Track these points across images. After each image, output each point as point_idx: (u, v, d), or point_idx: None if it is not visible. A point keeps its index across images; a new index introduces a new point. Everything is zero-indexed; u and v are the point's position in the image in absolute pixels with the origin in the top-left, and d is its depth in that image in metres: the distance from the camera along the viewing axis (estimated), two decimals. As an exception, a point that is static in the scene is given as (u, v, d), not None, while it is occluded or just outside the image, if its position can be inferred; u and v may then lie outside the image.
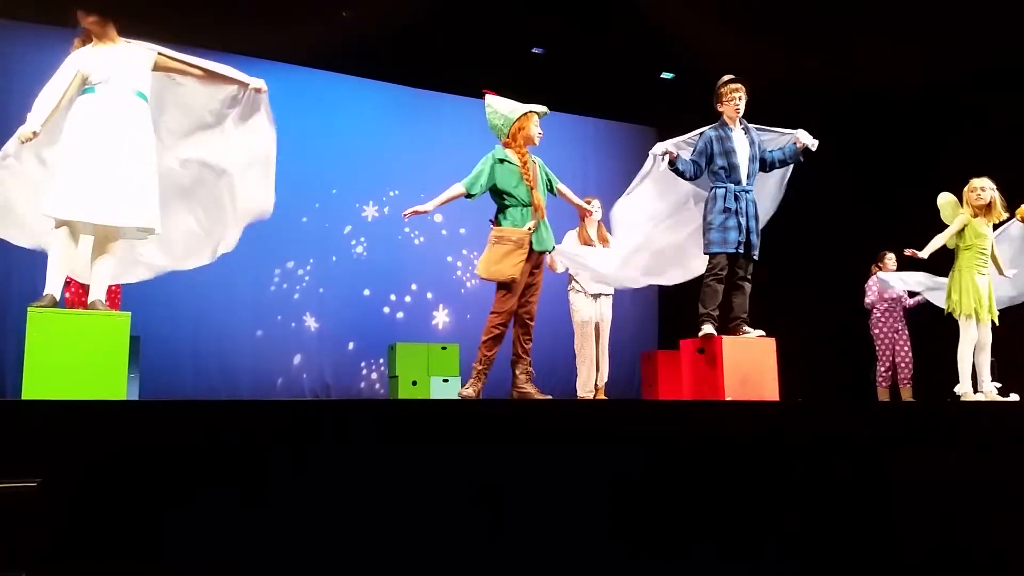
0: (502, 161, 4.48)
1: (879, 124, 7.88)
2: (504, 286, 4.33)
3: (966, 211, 5.23)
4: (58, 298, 3.47)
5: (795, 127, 5.06)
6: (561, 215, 5.90)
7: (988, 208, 5.20)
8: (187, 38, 7.18)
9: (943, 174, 5.58)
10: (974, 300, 5.13)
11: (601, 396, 5.75)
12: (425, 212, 4.55)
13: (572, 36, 7.94)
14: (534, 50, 8.30)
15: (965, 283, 5.17)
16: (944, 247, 5.31)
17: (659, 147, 4.83)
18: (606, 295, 5.87)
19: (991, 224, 5.25)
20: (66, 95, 3.57)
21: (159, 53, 3.83)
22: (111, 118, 3.53)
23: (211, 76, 4.01)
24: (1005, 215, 5.27)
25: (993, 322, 5.17)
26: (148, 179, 3.62)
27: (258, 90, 4.16)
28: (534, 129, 4.55)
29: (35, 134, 3.49)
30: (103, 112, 3.53)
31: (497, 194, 4.49)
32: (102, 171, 3.45)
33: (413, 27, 7.65)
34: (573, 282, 5.92)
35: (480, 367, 4.36)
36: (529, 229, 4.36)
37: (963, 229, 5.20)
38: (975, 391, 5.13)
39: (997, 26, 6.38)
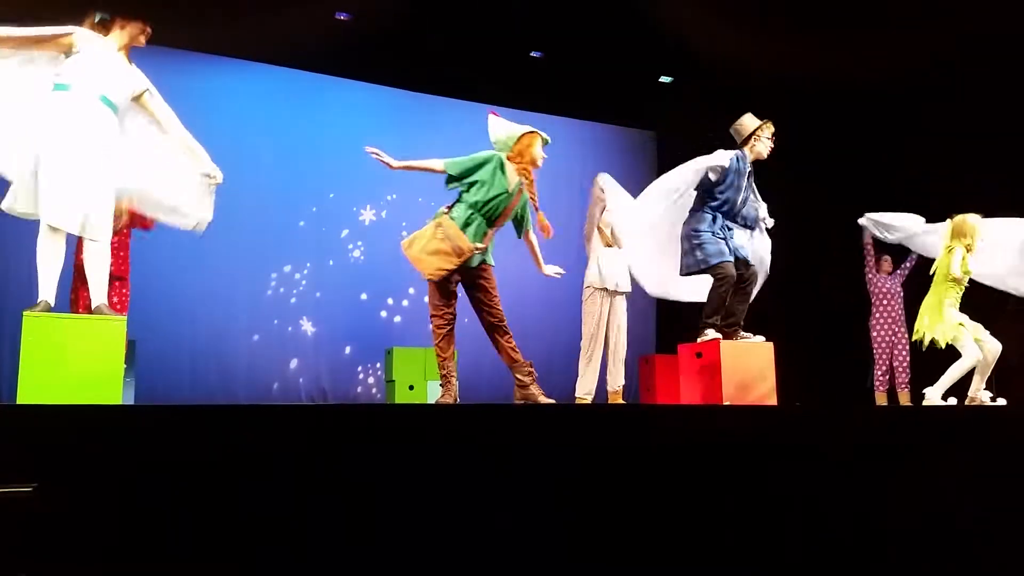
0: (503, 171, 4.34)
1: (880, 124, 7.88)
2: (435, 284, 4.28)
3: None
4: (52, 302, 3.45)
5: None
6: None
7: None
8: (183, 40, 7.19)
9: (943, 173, 5.59)
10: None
11: (619, 400, 5.67)
12: (390, 166, 4.31)
13: (571, 40, 7.94)
14: (533, 54, 8.30)
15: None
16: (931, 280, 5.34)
17: (720, 159, 4.80)
18: (620, 293, 5.73)
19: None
20: (44, 45, 3.53)
21: (147, 91, 3.81)
22: (79, 123, 3.49)
23: (174, 139, 3.92)
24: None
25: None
26: (104, 189, 3.56)
27: (211, 177, 3.99)
28: (538, 151, 4.42)
29: None
30: (72, 117, 3.49)
31: (469, 191, 4.33)
32: (75, 179, 3.43)
33: (411, 30, 7.65)
34: (589, 277, 5.76)
35: (443, 371, 4.31)
36: (477, 249, 4.23)
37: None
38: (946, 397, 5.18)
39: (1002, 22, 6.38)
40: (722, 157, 4.82)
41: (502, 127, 4.50)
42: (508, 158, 4.41)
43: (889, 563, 3.38)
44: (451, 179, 4.37)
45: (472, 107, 8.74)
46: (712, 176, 4.82)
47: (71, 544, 2.25)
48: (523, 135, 4.41)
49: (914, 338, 5.32)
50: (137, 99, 3.79)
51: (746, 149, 4.95)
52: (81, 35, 3.61)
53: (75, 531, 2.26)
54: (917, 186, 7.30)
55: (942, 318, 5.14)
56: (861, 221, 6.62)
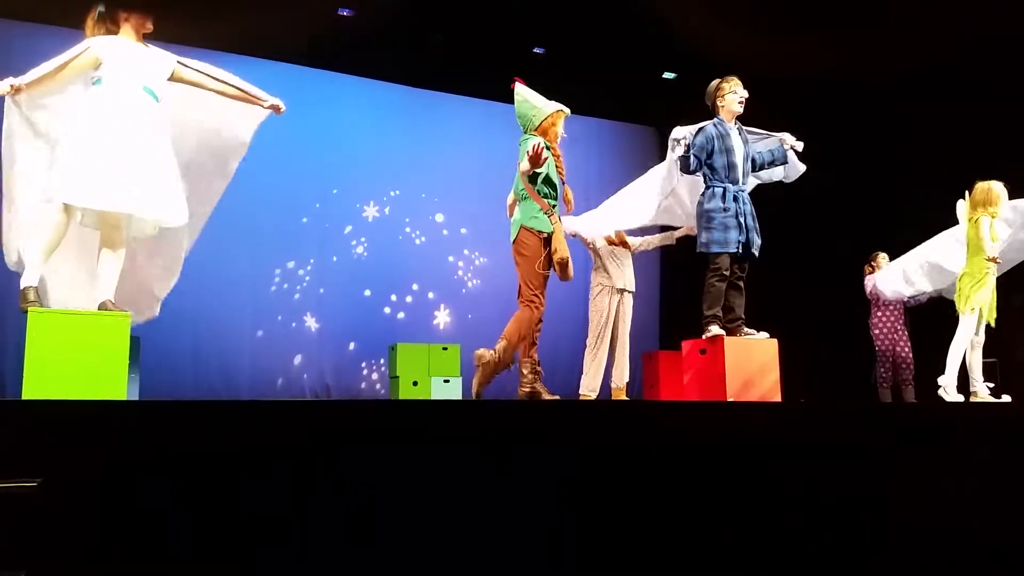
0: (547, 148, 4.29)
1: (879, 121, 7.87)
2: (544, 278, 4.25)
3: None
4: (37, 285, 3.43)
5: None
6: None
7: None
8: (182, 36, 7.18)
9: (941, 171, 5.57)
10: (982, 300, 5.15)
11: (623, 396, 5.66)
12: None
13: (573, 36, 7.93)
14: (535, 50, 8.29)
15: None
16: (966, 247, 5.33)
17: (679, 131, 4.80)
18: (629, 292, 5.72)
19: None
20: (70, 67, 3.55)
21: (179, 62, 3.84)
22: (120, 111, 3.52)
23: (227, 93, 3.98)
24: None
25: (989, 324, 5.16)
26: (167, 173, 3.61)
27: (277, 109, 4.10)
28: (561, 128, 4.43)
29: (14, 88, 3.44)
30: (112, 105, 3.52)
31: (545, 183, 4.29)
32: (113, 161, 3.42)
33: (414, 26, 7.65)
34: (599, 276, 5.75)
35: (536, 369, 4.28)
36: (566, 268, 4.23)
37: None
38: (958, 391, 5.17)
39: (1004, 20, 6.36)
40: (678, 131, 4.84)
41: (532, 99, 4.45)
42: (535, 134, 4.38)
43: (893, 561, 3.38)
44: (538, 174, 4.28)
45: (474, 103, 8.74)
46: (680, 151, 4.82)
47: (74, 541, 2.25)
48: (553, 112, 4.39)
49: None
50: (171, 77, 3.80)
51: (720, 113, 4.95)
52: (99, 44, 3.62)
53: (78, 528, 2.26)
54: (917, 186, 7.29)
55: (981, 287, 5.13)
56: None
